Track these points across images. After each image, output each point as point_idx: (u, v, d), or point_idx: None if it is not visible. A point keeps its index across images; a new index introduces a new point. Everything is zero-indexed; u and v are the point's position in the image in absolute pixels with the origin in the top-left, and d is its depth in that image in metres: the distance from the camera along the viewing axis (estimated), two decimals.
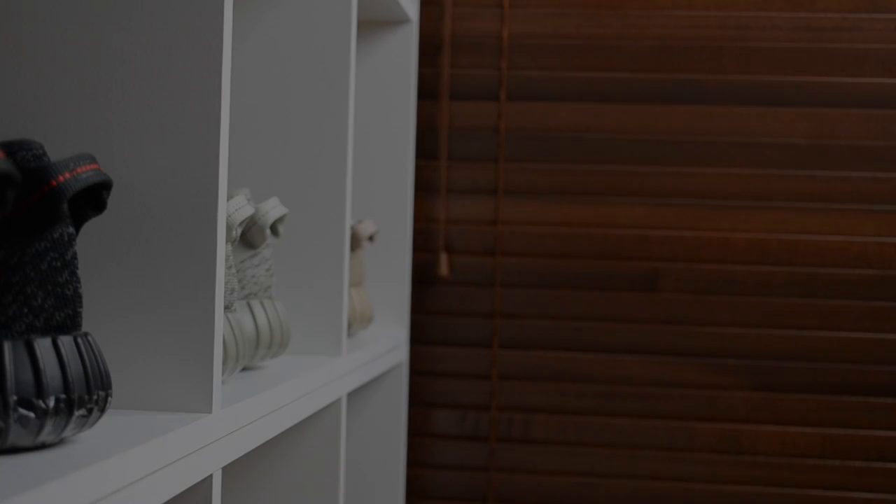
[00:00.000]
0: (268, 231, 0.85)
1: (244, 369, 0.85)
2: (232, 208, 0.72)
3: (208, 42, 0.61)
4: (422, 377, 1.44)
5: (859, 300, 1.37)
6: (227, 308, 0.74)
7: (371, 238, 1.19)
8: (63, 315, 0.50)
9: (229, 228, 0.71)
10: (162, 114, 0.62)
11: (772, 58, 1.39)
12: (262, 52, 0.98)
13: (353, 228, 1.14)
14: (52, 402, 0.47)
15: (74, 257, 0.51)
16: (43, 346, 0.48)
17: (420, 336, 1.44)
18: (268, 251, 0.86)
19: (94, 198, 0.53)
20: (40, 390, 0.47)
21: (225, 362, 0.71)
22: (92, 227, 0.62)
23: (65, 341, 0.49)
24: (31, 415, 0.47)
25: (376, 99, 1.35)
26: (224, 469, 0.65)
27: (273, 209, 0.85)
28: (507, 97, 1.43)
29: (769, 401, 1.38)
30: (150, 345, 0.62)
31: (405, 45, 1.36)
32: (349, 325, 1.11)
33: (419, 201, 1.43)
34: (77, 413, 0.49)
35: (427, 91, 1.44)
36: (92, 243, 0.62)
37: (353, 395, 1.35)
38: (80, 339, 0.50)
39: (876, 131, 1.37)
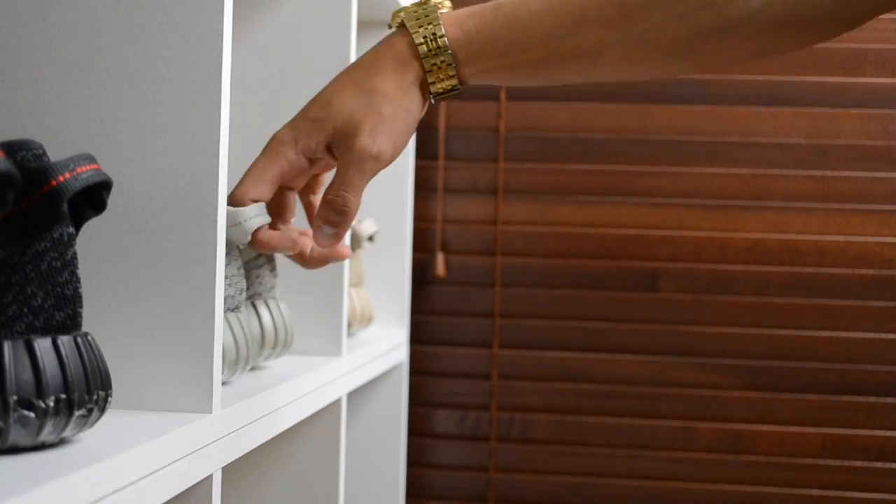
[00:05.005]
0: None
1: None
2: (250, 214, 0.72)
3: (208, 42, 0.61)
4: (422, 377, 1.44)
5: (859, 300, 1.37)
6: (235, 309, 0.74)
7: (371, 238, 1.19)
8: (63, 315, 0.50)
9: (244, 234, 0.71)
10: (162, 114, 0.62)
11: (772, 57, 1.39)
12: (262, 52, 0.98)
13: (353, 228, 1.14)
14: (52, 402, 0.47)
15: (74, 257, 0.51)
16: (43, 346, 0.48)
17: (420, 336, 1.44)
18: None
19: (94, 198, 0.53)
20: (40, 390, 0.47)
21: (235, 363, 0.71)
22: (92, 227, 0.62)
23: (65, 341, 0.49)
24: (31, 415, 0.47)
25: None
26: (224, 469, 0.65)
27: None
28: (507, 97, 1.43)
29: (769, 401, 1.38)
30: (150, 345, 0.62)
31: None
32: (349, 325, 1.11)
33: (419, 201, 1.43)
34: (77, 413, 0.49)
35: None
36: (92, 243, 0.62)
37: (353, 395, 1.35)
38: (80, 339, 0.50)
39: (876, 131, 1.37)
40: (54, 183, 0.49)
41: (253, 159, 0.71)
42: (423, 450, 1.44)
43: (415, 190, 1.43)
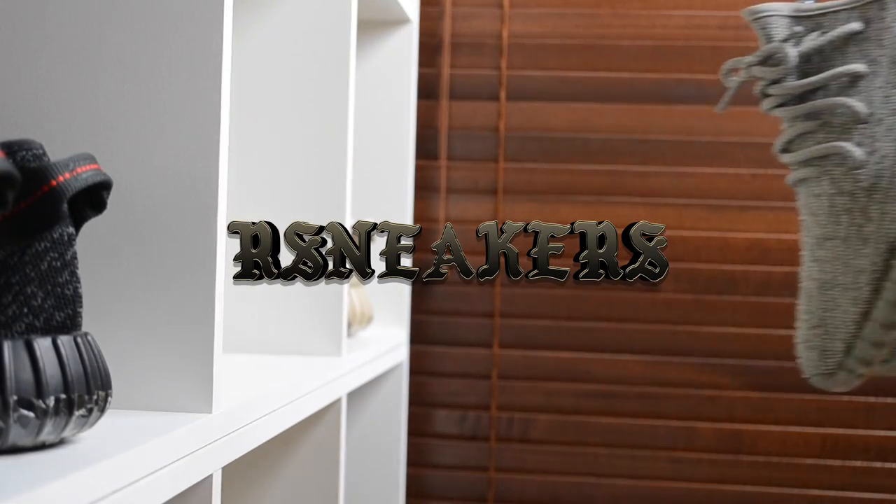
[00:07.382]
0: None
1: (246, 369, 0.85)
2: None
3: (208, 42, 0.61)
4: (422, 377, 1.44)
5: None
6: None
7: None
8: (63, 315, 0.50)
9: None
10: (162, 114, 0.62)
11: None
12: (262, 52, 0.98)
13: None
14: (52, 402, 0.47)
15: (74, 257, 0.51)
16: (43, 346, 0.48)
17: (420, 336, 1.44)
18: None
19: (94, 198, 0.53)
20: (40, 390, 0.47)
21: None
22: (92, 227, 0.62)
23: (65, 341, 0.49)
24: (31, 415, 0.47)
25: (376, 99, 1.35)
26: (224, 469, 0.65)
27: None
28: (506, 97, 1.43)
29: (769, 401, 1.38)
30: (150, 345, 0.62)
31: (405, 45, 1.36)
32: (349, 325, 1.11)
33: (419, 201, 1.43)
34: (77, 413, 0.49)
35: (427, 91, 1.44)
36: (92, 243, 0.62)
37: (353, 395, 1.35)
38: (80, 339, 0.50)
39: None
40: (54, 183, 0.49)
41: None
42: (423, 450, 1.44)
43: (415, 190, 1.43)
